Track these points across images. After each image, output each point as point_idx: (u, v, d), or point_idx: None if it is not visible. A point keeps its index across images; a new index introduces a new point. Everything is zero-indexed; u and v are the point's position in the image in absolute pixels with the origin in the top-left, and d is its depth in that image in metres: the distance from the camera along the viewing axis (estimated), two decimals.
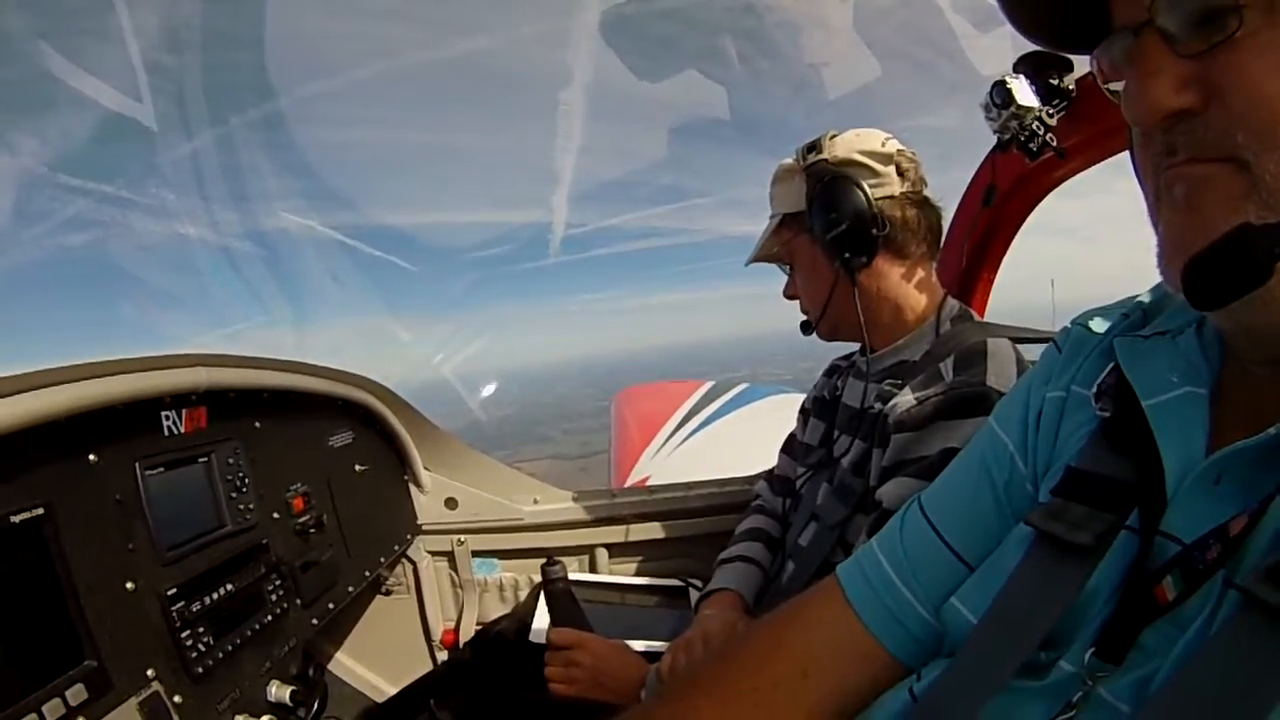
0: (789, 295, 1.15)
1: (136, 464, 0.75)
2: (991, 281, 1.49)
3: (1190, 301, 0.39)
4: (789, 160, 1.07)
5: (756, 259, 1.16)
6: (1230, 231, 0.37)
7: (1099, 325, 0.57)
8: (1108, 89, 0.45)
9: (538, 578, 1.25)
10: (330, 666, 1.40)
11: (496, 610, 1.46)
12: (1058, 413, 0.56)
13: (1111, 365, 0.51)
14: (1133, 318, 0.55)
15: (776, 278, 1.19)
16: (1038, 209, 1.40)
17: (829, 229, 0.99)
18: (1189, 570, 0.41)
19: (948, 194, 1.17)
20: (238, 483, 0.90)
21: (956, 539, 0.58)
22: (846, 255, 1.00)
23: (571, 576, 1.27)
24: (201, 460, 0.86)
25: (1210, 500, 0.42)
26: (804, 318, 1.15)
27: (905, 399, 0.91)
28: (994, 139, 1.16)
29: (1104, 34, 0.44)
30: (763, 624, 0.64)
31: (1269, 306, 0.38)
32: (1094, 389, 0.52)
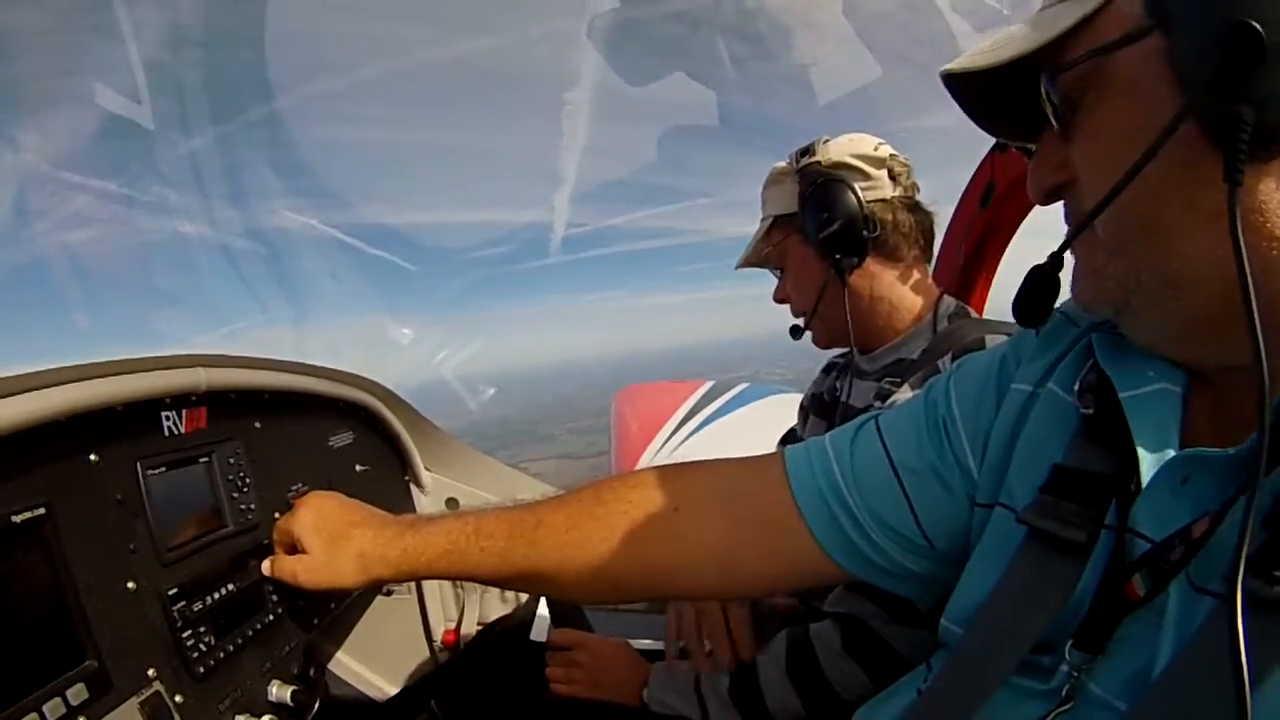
0: (779, 299, 1.16)
1: (138, 464, 0.75)
2: (990, 281, 1.50)
3: (1021, 324, 0.54)
4: (782, 164, 1.08)
5: (747, 263, 1.17)
6: (1026, 276, 0.51)
7: (1079, 315, 0.58)
8: None
9: None
10: (331, 666, 1.40)
11: (497, 610, 1.46)
12: (1020, 407, 0.56)
13: (1092, 362, 0.51)
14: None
15: (774, 279, 1.20)
16: (1037, 210, 1.41)
17: (820, 229, 1.00)
18: (1156, 569, 0.42)
19: (947, 194, 1.18)
20: (238, 483, 0.90)
21: (898, 455, 0.63)
22: (837, 256, 1.01)
23: None
24: (202, 460, 0.86)
25: (1176, 500, 0.43)
26: (794, 321, 1.15)
27: (904, 396, 0.92)
28: (992, 139, 1.17)
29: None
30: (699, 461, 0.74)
31: (1141, 320, 0.46)
32: (1077, 386, 0.52)
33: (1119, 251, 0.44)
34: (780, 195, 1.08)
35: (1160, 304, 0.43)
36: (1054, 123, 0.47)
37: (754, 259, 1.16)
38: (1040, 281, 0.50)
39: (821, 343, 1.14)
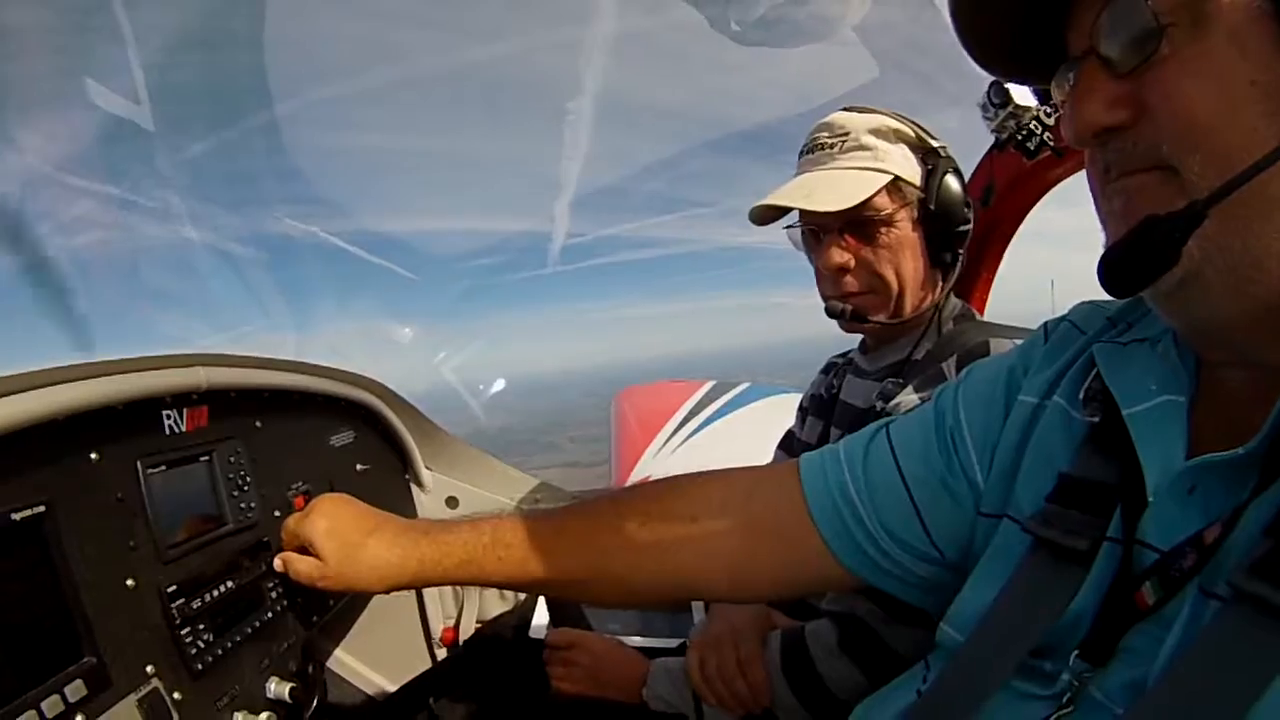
0: (845, 265, 0.97)
1: (138, 463, 0.76)
2: (991, 281, 1.49)
3: (1107, 290, 0.43)
4: (890, 120, 0.97)
5: (856, 199, 0.92)
6: (1137, 224, 0.40)
7: (1086, 323, 0.58)
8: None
9: None
10: (329, 664, 1.41)
11: (496, 608, 1.47)
12: (1026, 420, 0.56)
13: (1096, 371, 0.51)
14: (1118, 325, 0.56)
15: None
16: (1037, 210, 1.40)
17: (956, 223, 0.96)
18: (1166, 577, 0.42)
19: None
20: (239, 481, 0.91)
21: (907, 465, 0.63)
22: (948, 257, 0.99)
23: None
24: (203, 459, 0.86)
25: (1184, 509, 0.43)
26: (836, 304, 0.99)
27: (908, 398, 0.92)
28: (991, 139, 1.16)
29: (1056, 66, 0.48)
30: (712, 472, 0.73)
31: (1205, 296, 0.41)
32: (1081, 395, 0.52)
33: (1215, 212, 0.39)
34: (901, 157, 0.96)
35: (1235, 283, 0.40)
36: (1113, 53, 0.42)
37: (867, 209, 0.93)
38: (1157, 237, 0.40)
39: (867, 330, 1.04)
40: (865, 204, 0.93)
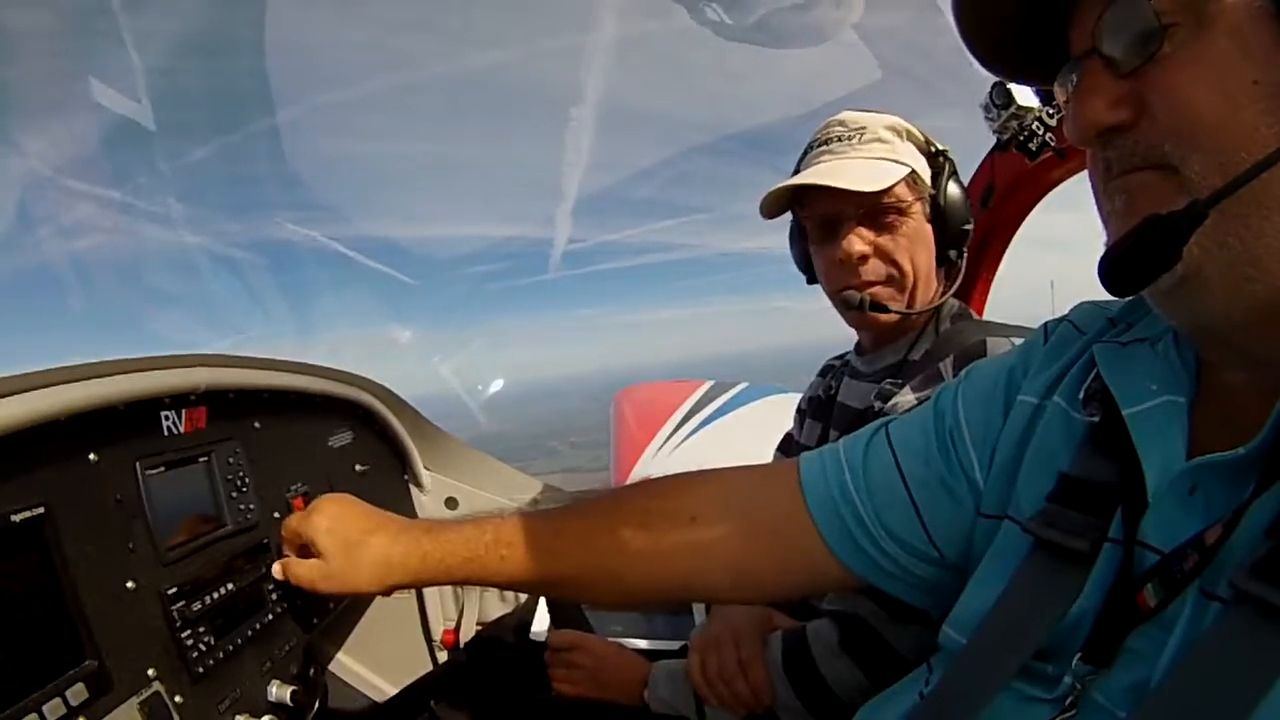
0: (867, 253, 0.96)
1: (137, 464, 0.75)
2: (990, 282, 1.49)
3: (1108, 289, 0.43)
4: (899, 121, 0.99)
5: (882, 186, 0.93)
6: (1139, 223, 0.40)
7: (1086, 323, 0.58)
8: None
9: None
10: (331, 666, 1.40)
11: (497, 610, 1.46)
12: (1027, 420, 0.56)
13: (1095, 371, 0.51)
14: (1119, 325, 0.56)
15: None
16: (1036, 211, 1.41)
17: (962, 222, 0.98)
18: (1168, 579, 0.42)
19: None
20: (238, 482, 0.91)
21: (907, 465, 0.63)
22: (958, 254, 1.00)
23: None
24: (202, 460, 0.86)
25: (1185, 510, 0.43)
26: (854, 294, 0.97)
27: (905, 399, 0.91)
28: (993, 139, 1.17)
29: (1059, 66, 0.48)
30: (710, 470, 0.72)
31: (1206, 294, 0.41)
32: (1081, 394, 0.52)
33: (1215, 211, 0.39)
34: (912, 154, 0.98)
35: (1235, 282, 0.40)
36: (1116, 53, 0.42)
37: (888, 196, 0.94)
38: (1158, 236, 0.40)
39: (882, 324, 1.01)
40: (887, 192, 0.93)
